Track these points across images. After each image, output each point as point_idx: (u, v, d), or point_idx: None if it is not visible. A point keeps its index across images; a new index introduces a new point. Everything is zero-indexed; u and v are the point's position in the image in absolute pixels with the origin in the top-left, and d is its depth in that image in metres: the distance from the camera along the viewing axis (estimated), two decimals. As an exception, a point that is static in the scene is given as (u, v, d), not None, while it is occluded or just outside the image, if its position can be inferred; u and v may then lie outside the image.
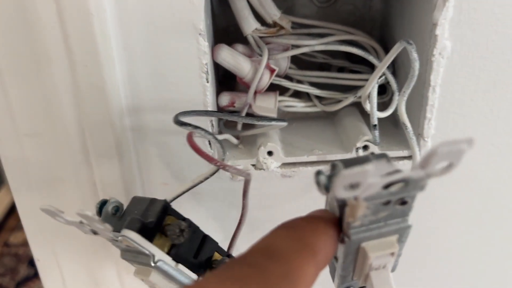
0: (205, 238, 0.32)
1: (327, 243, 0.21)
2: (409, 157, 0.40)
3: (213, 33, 0.43)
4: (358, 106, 0.43)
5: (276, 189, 0.41)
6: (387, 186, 0.20)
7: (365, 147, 0.39)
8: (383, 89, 0.42)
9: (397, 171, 0.20)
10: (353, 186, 0.19)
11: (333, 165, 0.22)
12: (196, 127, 0.29)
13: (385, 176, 0.19)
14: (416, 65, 0.27)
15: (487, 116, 0.38)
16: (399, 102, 0.31)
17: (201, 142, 0.35)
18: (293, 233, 0.21)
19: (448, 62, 0.35)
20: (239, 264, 0.19)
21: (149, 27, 0.33)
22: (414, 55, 0.27)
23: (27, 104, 0.35)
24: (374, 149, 0.39)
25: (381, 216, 0.22)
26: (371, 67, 0.43)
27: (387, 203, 0.21)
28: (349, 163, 0.21)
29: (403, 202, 0.22)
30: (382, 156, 0.23)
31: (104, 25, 0.32)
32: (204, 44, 0.34)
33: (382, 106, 0.43)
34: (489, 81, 0.36)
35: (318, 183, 0.21)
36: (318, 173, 0.21)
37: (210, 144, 0.38)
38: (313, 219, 0.22)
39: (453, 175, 0.40)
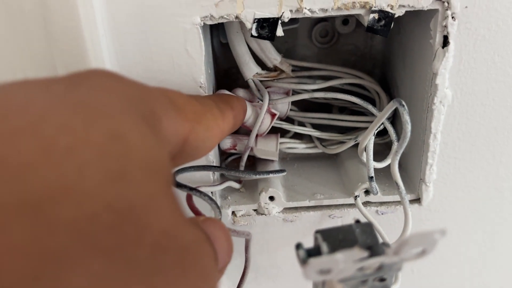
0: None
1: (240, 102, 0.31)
2: (415, 201, 0.40)
3: (215, 75, 0.43)
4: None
5: (278, 233, 0.41)
6: (362, 268, 0.21)
7: (367, 192, 0.39)
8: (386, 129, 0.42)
9: (374, 252, 0.20)
10: (325, 272, 0.19)
11: (315, 237, 0.22)
12: (192, 188, 0.29)
13: (358, 261, 0.19)
14: (408, 127, 0.27)
15: (489, 161, 0.38)
16: (392, 161, 0.31)
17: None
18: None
19: (449, 110, 0.35)
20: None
21: (150, 81, 0.33)
22: (406, 118, 0.27)
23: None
24: (373, 197, 0.39)
25: None
26: (373, 104, 0.43)
27: (365, 280, 0.22)
28: (330, 234, 0.22)
29: (382, 279, 0.22)
30: (366, 226, 0.23)
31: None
32: (205, 96, 0.34)
33: (384, 147, 0.43)
34: (490, 127, 0.36)
35: (297, 257, 0.21)
36: (298, 246, 0.21)
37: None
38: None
39: (456, 218, 0.40)
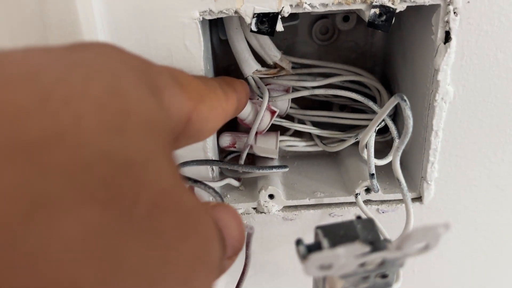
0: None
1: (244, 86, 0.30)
2: (416, 199, 0.39)
3: (214, 72, 0.42)
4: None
5: (278, 231, 0.41)
6: (363, 264, 0.20)
7: (367, 190, 0.39)
8: (387, 126, 0.42)
9: (376, 247, 0.20)
10: (326, 267, 0.18)
11: (315, 233, 0.22)
12: (196, 181, 0.29)
13: (359, 256, 0.19)
14: (410, 123, 0.26)
15: (491, 159, 0.37)
16: (393, 158, 0.31)
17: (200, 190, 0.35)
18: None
19: (451, 107, 0.35)
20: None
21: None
22: (408, 113, 0.26)
23: None
24: (374, 195, 0.38)
25: (362, 287, 0.22)
26: (374, 101, 0.43)
27: (367, 277, 0.21)
28: (331, 230, 0.21)
29: (384, 276, 0.22)
30: (368, 221, 0.22)
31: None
32: (204, 92, 0.33)
33: (384, 145, 0.43)
34: (492, 124, 0.36)
35: (298, 253, 0.21)
36: (298, 242, 0.21)
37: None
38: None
39: (457, 217, 0.40)
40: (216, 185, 0.37)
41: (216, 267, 0.16)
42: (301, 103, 0.44)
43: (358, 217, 0.23)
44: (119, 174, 0.12)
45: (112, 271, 0.11)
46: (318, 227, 0.22)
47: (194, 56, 0.32)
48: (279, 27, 0.31)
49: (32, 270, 0.10)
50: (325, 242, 0.21)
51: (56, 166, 0.11)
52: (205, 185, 0.28)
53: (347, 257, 0.18)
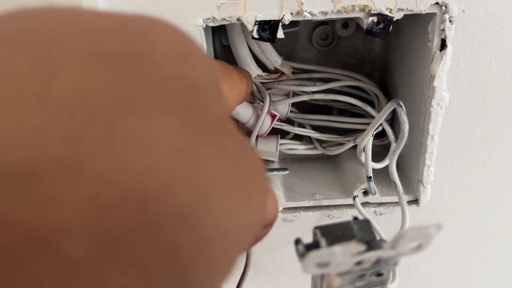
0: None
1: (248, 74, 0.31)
2: (413, 202, 0.40)
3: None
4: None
5: (278, 232, 0.41)
6: (359, 262, 0.21)
7: (365, 192, 0.40)
8: (384, 131, 0.43)
9: (371, 247, 0.21)
10: (323, 265, 0.19)
11: (314, 233, 0.22)
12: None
13: (355, 255, 0.20)
14: (406, 127, 0.27)
15: (486, 163, 0.38)
16: (390, 161, 0.32)
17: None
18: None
19: (446, 112, 0.36)
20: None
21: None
22: (404, 118, 0.27)
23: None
24: (371, 198, 0.39)
25: (358, 285, 0.23)
26: (372, 106, 0.44)
27: (363, 275, 0.22)
28: (329, 230, 0.22)
29: (379, 274, 0.22)
30: (364, 222, 0.23)
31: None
32: (206, 96, 0.34)
33: (382, 149, 0.44)
34: (487, 130, 0.37)
35: (296, 251, 0.22)
36: (297, 241, 0.22)
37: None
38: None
39: (453, 219, 0.41)
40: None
41: (262, 206, 0.17)
42: (301, 107, 0.45)
43: (355, 218, 0.24)
44: (191, 92, 0.14)
45: (192, 164, 0.13)
46: (316, 227, 0.23)
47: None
48: (280, 34, 0.32)
49: (126, 154, 0.12)
50: (323, 242, 0.22)
51: (141, 77, 0.13)
52: None
53: (344, 255, 0.19)
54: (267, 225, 0.21)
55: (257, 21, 0.31)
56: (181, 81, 0.14)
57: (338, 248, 0.19)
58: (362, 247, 0.20)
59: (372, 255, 0.21)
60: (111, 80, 0.12)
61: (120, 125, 0.12)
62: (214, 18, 0.31)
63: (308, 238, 0.22)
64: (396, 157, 0.31)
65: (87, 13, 0.15)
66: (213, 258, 0.14)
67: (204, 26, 0.32)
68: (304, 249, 0.22)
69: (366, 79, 0.43)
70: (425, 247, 0.20)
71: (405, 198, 0.34)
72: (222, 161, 0.14)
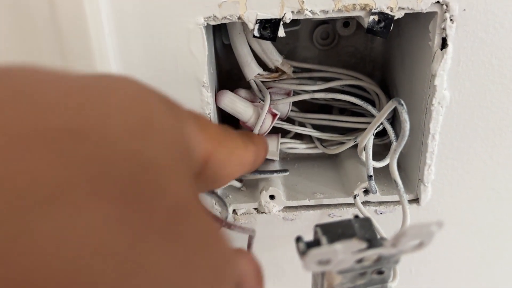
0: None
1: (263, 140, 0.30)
2: (413, 201, 0.40)
3: (217, 76, 0.43)
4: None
5: (278, 231, 0.42)
6: (360, 260, 0.21)
7: (366, 191, 0.40)
8: (385, 130, 0.43)
9: (372, 245, 0.21)
10: (324, 262, 0.19)
11: (315, 231, 0.23)
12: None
13: (356, 252, 0.20)
14: (407, 126, 0.27)
15: (487, 162, 0.38)
16: (391, 160, 0.32)
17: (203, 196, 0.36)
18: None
19: (447, 111, 0.36)
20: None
21: (154, 80, 0.34)
22: (405, 117, 0.27)
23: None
24: (372, 197, 0.39)
25: (359, 283, 0.23)
26: (373, 105, 0.44)
27: (364, 273, 0.22)
28: (330, 228, 0.22)
29: (380, 272, 0.23)
30: (365, 220, 0.23)
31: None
32: (207, 95, 0.35)
33: (383, 148, 0.44)
34: (488, 129, 0.37)
35: (297, 249, 0.22)
36: (298, 239, 0.22)
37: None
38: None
39: (454, 219, 0.41)
40: (218, 189, 0.38)
41: None
42: (302, 106, 0.45)
43: (356, 216, 0.24)
44: (142, 173, 0.12)
45: (130, 263, 0.11)
46: (317, 225, 0.23)
47: (199, 60, 0.33)
48: (281, 32, 0.32)
49: (46, 255, 0.10)
50: (323, 239, 0.22)
51: (78, 158, 0.11)
52: (209, 191, 0.29)
53: (345, 253, 0.19)
54: None
55: (258, 19, 0.31)
56: (130, 162, 0.12)
57: (339, 246, 0.19)
58: (363, 244, 0.20)
59: (373, 253, 0.21)
60: (38, 162, 0.11)
61: (35, 218, 0.10)
62: (215, 16, 0.31)
63: (309, 237, 0.22)
64: (397, 156, 0.31)
65: (45, 78, 0.13)
66: None
67: (205, 24, 0.32)
68: (305, 247, 0.22)
69: (367, 78, 0.43)
70: (427, 245, 0.20)
71: (406, 197, 0.34)
72: (173, 255, 0.12)
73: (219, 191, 0.40)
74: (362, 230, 0.23)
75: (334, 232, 0.22)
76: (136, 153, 0.13)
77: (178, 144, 0.15)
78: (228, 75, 0.48)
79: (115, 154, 0.12)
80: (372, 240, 0.22)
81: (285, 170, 0.38)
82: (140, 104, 0.14)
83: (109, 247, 0.11)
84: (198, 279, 0.13)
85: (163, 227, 0.12)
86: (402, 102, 0.28)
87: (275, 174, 0.38)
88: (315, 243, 0.22)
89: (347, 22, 0.45)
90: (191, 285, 0.12)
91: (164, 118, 0.15)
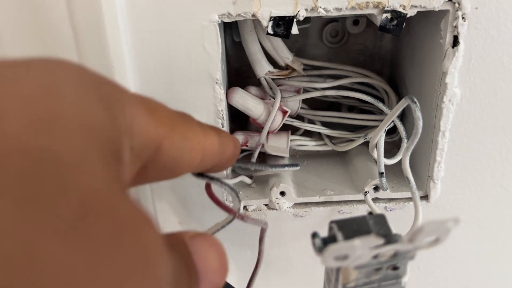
0: (224, 284, 0.33)
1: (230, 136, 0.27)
2: (423, 198, 0.40)
3: (227, 73, 0.44)
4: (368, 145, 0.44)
5: (288, 228, 0.42)
6: (377, 256, 0.21)
7: (376, 188, 0.40)
8: (394, 127, 0.43)
9: (388, 241, 0.21)
10: (342, 258, 0.20)
11: (330, 227, 0.23)
12: (212, 178, 0.30)
13: (373, 248, 0.20)
14: (420, 123, 0.28)
15: (496, 160, 0.39)
16: (403, 157, 0.32)
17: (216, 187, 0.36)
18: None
19: (458, 108, 0.36)
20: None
21: (167, 76, 0.34)
22: (418, 114, 0.27)
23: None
24: (382, 194, 0.40)
25: (374, 279, 0.23)
26: (382, 102, 0.44)
27: (379, 268, 0.22)
28: (345, 225, 0.23)
29: (395, 268, 0.23)
30: (379, 217, 0.23)
31: (124, 76, 0.33)
32: (220, 92, 0.35)
33: (391, 146, 0.44)
34: (498, 126, 0.37)
35: (313, 245, 0.22)
36: (314, 235, 0.22)
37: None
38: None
39: (463, 215, 0.41)
40: (230, 182, 0.38)
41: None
42: (311, 103, 0.45)
43: (370, 213, 0.24)
44: (41, 170, 0.11)
45: (24, 271, 0.10)
46: (332, 222, 0.23)
47: (212, 57, 0.33)
48: (295, 30, 0.32)
49: None
50: (339, 235, 0.22)
51: None
52: (221, 181, 0.29)
53: (363, 249, 0.20)
54: (212, 286, 0.19)
55: (272, 17, 0.32)
56: (28, 157, 0.11)
57: (357, 242, 0.19)
58: (380, 240, 0.20)
59: (390, 249, 0.21)
60: None
61: None
62: (229, 14, 0.31)
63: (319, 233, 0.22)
64: (409, 153, 0.31)
65: None
66: None
67: (219, 22, 0.32)
68: (321, 243, 0.22)
69: (376, 76, 0.43)
70: (442, 241, 0.21)
71: (418, 194, 0.35)
72: (80, 257, 0.11)
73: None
74: (377, 226, 0.23)
75: (350, 228, 0.23)
76: (35, 149, 0.12)
77: (96, 130, 0.14)
78: (237, 73, 0.48)
79: (7, 149, 0.11)
80: (388, 235, 0.22)
81: (295, 165, 0.38)
82: (53, 94, 0.13)
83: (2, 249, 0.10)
84: (111, 281, 0.12)
85: (67, 225, 0.11)
86: (415, 100, 0.28)
87: (285, 168, 0.38)
88: (331, 239, 0.23)
89: (356, 20, 0.45)
90: (97, 285, 0.11)
91: (81, 102, 0.14)
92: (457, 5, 0.32)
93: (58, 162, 0.12)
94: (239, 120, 0.46)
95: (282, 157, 0.44)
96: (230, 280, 0.39)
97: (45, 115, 0.12)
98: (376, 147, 0.36)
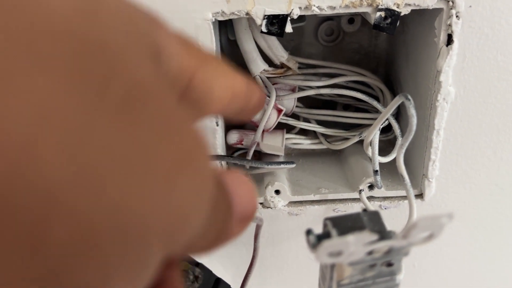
0: (218, 281, 0.33)
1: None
2: (417, 196, 0.41)
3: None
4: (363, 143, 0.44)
5: (283, 226, 0.42)
6: (371, 252, 0.21)
7: (371, 186, 0.40)
8: (389, 126, 0.43)
9: (383, 237, 0.21)
10: (335, 254, 0.20)
11: (324, 224, 0.23)
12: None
13: (367, 244, 0.20)
14: (414, 121, 0.28)
15: (490, 158, 0.39)
16: (397, 155, 0.32)
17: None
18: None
19: (452, 107, 0.36)
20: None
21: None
22: (412, 112, 0.27)
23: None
24: (377, 192, 0.40)
25: (368, 275, 0.23)
26: (377, 101, 0.44)
27: (373, 265, 0.22)
28: (339, 221, 0.23)
29: (390, 264, 0.23)
30: (374, 214, 0.23)
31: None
32: (215, 90, 0.35)
33: (387, 144, 0.44)
34: (492, 124, 0.37)
35: (308, 242, 0.22)
36: (308, 232, 0.22)
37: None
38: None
39: (457, 213, 0.41)
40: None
41: (208, 179, 0.14)
42: (306, 102, 0.45)
43: (364, 210, 0.24)
44: (89, 52, 0.11)
45: (73, 132, 0.10)
46: (327, 218, 0.23)
47: (206, 55, 0.33)
48: (288, 28, 0.32)
49: None
50: (334, 232, 0.22)
51: (15, 32, 0.10)
52: None
53: (356, 244, 0.20)
54: (242, 221, 0.18)
55: (265, 15, 0.32)
56: (75, 38, 0.11)
57: (351, 237, 0.19)
58: (374, 236, 0.20)
59: (384, 245, 0.21)
60: None
61: None
62: (223, 12, 0.31)
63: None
64: (403, 151, 0.31)
65: None
66: (106, 253, 0.11)
67: (213, 20, 0.32)
68: (316, 240, 0.22)
69: (371, 74, 0.43)
70: (436, 237, 0.21)
71: (413, 191, 0.35)
72: (124, 137, 0.11)
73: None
74: (371, 223, 0.23)
75: (344, 225, 0.23)
76: (83, 33, 0.11)
77: (143, 35, 0.13)
78: (233, 71, 0.48)
79: (58, 29, 0.11)
80: (382, 232, 0.22)
81: (291, 162, 0.39)
82: None
83: (55, 117, 0.10)
84: (158, 165, 0.12)
85: (118, 107, 0.11)
86: (409, 97, 0.28)
87: (281, 166, 0.39)
88: (326, 235, 0.23)
89: (351, 18, 0.45)
90: (150, 170, 0.11)
91: (126, 7, 0.14)
92: (451, 3, 0.32)
93: (106, 48, 0.12)
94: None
95: (278, 156, 0.44)
96: (224, 277, 0.39)
97: (92, 4, 0.12)
98: (370, 145, 0.36)
